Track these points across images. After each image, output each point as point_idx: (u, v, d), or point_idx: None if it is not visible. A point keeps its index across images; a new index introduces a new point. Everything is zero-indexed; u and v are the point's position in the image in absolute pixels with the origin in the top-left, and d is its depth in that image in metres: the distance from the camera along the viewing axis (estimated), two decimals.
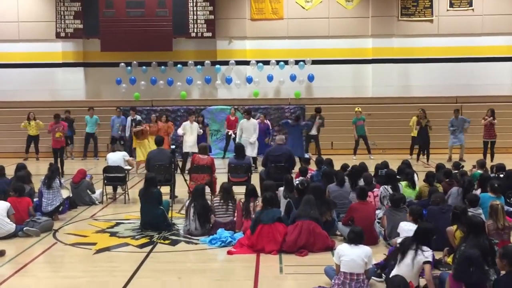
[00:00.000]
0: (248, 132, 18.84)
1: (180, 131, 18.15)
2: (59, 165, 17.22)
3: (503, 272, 7.00)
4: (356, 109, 21.47)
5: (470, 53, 23.94)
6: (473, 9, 23.95)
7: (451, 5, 24.02)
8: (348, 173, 12.40)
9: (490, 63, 23.95)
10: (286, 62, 23.82)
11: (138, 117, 19.92)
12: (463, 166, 14.28)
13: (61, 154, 18.19)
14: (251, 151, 18.24)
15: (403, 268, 7.61)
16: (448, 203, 10.34)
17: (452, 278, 7.13)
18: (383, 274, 8.34)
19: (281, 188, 11.90)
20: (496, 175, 12.54)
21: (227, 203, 11.15)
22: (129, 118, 20.44)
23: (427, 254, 7.64)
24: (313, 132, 20.58)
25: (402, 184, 11.95)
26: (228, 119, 21.57)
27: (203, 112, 22.37)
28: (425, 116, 20.15)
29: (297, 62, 23.79)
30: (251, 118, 19.28)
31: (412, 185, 11.97)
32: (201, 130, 18.66)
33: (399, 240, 8.80)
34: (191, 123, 18.01)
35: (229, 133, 21.42)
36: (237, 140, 18.74)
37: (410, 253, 7.65)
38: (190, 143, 17.81)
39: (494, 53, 23.91)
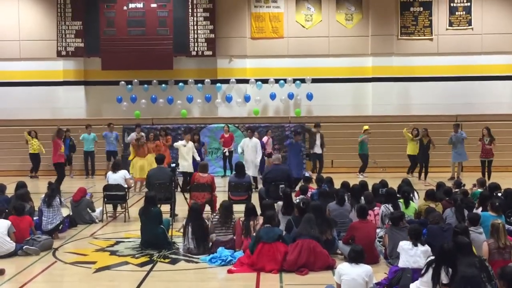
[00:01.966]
0: (249, 151, 18.69)
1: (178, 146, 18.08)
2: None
3: None
4: (365, 127, 21.50)
5: (469, 72, 24.03)
6: (472, 28, 24.08)
7: (451, 24, 24.16)
8: (351, 192, 12.42)
9: (490, 81, 24.04)
10: (285, 81, 23.93)
11: (143, 134, 19.99)
12: (464, 185, 14.27)
13: (62, 170, 18.28)
14: (253, 171, 18.19)
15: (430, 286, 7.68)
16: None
17: None
18: None
19: (280, 203, 11.92)
20: (495, 194, 12.50)
21: (227, 221, 11.13)
22: (133, 134, 20.55)
23: (445, 275, 7.65)
24: (317, 150, 20.54)
25: (401, 202, 11.93)
26: (222, 136, 21.63)
27: (203, 131, 22.41)
28: (427, 135, 20.24)
29: (294, 81, 23.89)
30: (253, 137, 19.15)
31: (406, 203, 11.90)
32: (198, 157, 18.35)
33: (401, 260, 8.80)
34: (186, 142, 17.88)
35: (225, 151, 21.50)
36: (239, 155, 18.76)
37: (439, 272, 7.70)
38: (185, 163, 17.65)
39: (494, 72, 24.01)
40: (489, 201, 11.02)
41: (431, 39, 24.19)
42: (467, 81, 24.03)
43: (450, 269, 7.66)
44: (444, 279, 7.61)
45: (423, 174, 20.42)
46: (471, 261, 7.73)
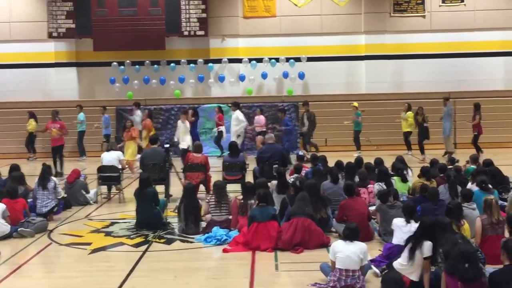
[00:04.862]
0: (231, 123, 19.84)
1: (176, 138, 18.19)
2: (58, 164, 17.46)
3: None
4: (352, 104, 21.47)
5: (462, 49, 24.00)
6: (465, 4, 24.01)
7: (443, 0, 24.07)
8: (345, 170, 12.45)
9: (483, 58, 24.03)
10: (277, 60, 23.84)
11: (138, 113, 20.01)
12: (458, 161, 14.32)
13: (60, 153, 18.17)
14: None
15: (406, 261, 7.70)
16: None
17: (446, 273, 7.15)
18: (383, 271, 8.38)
19: (274, 182, 11.93)
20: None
21: (221, 201, 11.15)
22: (135, 116, 20.62)
23: (426, 249, 7.66)
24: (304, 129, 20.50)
25: (395, 179, 11.99)
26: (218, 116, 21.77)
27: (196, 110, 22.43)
28: (422, 113, 20.26)
29: (287, 60, 23.80)
30: (237, 110, 19.95)
31: (403, 179, 12.00)
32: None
33: (396, 237, 8.86)
34: (183, 121, 18.02)
35: (214, 130, 21.65)
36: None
37: (415, 248, 7.71)
38: (185, 141, 17.87)
39: (487, 48, 23.98)
40: (477, 177, 11.09)
41: (424, 16, 24.12)
42: (460, 58, 24.01)
43: (429, 243, 7.68)
44: (427, 252, 7.65)
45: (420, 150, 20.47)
46: (450, 237, 7.74)
